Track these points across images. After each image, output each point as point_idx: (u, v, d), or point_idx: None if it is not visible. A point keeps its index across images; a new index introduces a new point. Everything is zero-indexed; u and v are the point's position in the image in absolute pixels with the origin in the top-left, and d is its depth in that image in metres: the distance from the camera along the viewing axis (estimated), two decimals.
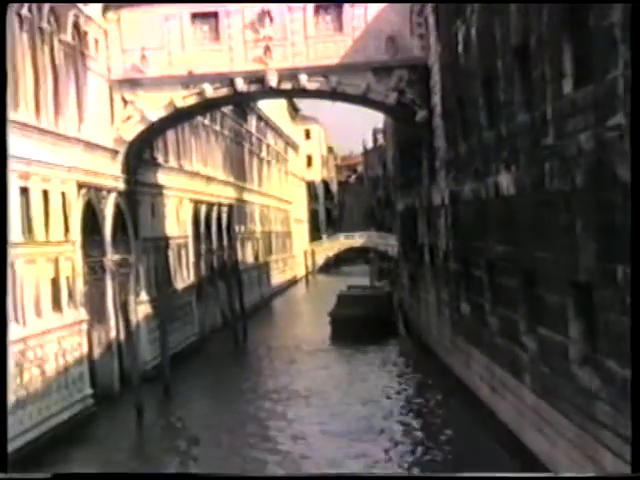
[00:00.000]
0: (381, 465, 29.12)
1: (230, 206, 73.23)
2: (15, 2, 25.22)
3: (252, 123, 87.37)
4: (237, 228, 75.42)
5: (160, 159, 51.83)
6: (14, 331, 30.93)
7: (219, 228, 68.22)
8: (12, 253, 31.27)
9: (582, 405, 21.15)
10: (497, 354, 30.33)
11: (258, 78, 43.42)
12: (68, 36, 38.22)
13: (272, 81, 43.25)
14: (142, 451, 33.97)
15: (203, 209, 63.00)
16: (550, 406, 24.05)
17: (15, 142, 31.90)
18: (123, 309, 40.85)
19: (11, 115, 32.22)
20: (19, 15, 33.57)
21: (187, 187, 58.09)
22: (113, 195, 41.97)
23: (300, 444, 32.71)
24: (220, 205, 69.11)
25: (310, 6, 42.97)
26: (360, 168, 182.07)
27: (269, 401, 39.92)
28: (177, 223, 54.92)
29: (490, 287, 31.12)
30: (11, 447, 29.34)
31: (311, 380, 45.11)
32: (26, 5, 33.86)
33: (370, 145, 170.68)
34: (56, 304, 34.67)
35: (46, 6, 35.78)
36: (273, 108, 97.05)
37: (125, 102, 42.96)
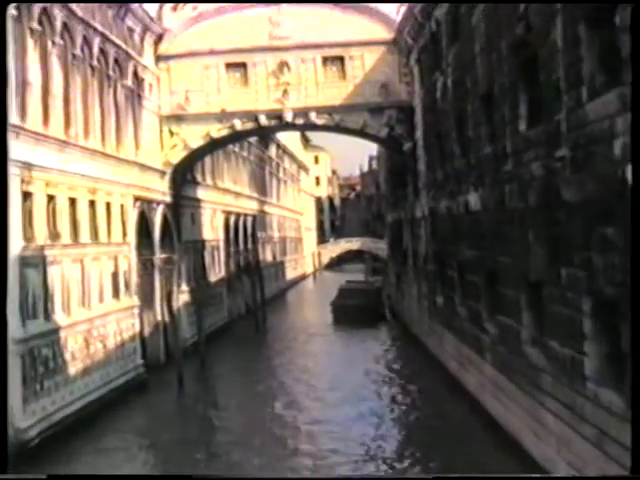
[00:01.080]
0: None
1: (254, 216, 73.20)
2: (15, 2, 25.16)
3: (272, 150, 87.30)
4: (259, 234, 75.28)
5: (199, 178, 51.90)
6: (83, 313, 31.17)
7: (245, 234, 68.21)
8: (81, 252, 31.53)
9: (531, 377, 21.31)
10: (465, 336, 30.44)
11: (277, 115, 43.56)
12: (129, 81, 38.41)
13: (288, 117, 43.41)
14: (182, 406, 34.19)
15: (232, 218, 63.01)
16: (506, 378, 24.20)
17: (86, 164, 32.22)
18: (168, 297, 40.99)
19: (83, 143, 32.51)
20: (91, 66, 33.81)
21: (220, 201, 58.14)
22: (161, 207, 42.11)
23: (309, 393, 33.70)
24: (246, 215, 69.13)
25: (319, 58, 43.10)
26: (358, 187, 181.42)
27: (285, 369, 40.29)
28: (211, 229, 54.98)
29: (460, 284, 31.22)
30: (81, 404, 29.73)
31: (317, 352, 45.65)
32: (95, 56, 34.09)
33: (366, 169, 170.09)
34: (115, 293, 34.78)
35: (111, 57, 35.99)
36: (289, 139, 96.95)
37: (172, 133, 43.09)
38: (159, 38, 42.64)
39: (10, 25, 26.63)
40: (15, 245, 26.03)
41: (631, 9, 13.32)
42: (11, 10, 26.70)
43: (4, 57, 22.46)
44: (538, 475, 20.08)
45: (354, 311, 55.25)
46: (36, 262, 27.59)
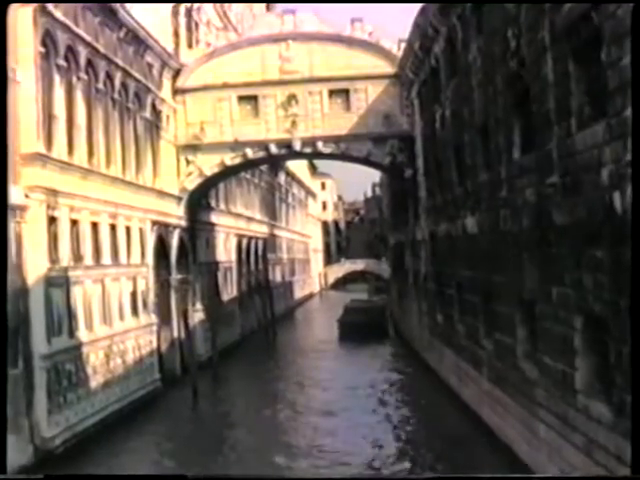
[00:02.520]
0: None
1: (264, 239, 73.27)
2: (15, 2, 24.93)
3: (282, 177, 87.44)
4: (269, 256, 75.29)
5: (213, 204, 52.01)
6: (104, 330, 31.25)
7: (256, 255, 68.30)
8: (103, 273, 31.63)
9: (525, 390, 21.33)
10: (463, 352, 30.43)
11: (286, 144, 43.71)
12: (147, 113, 38.61)
13: (297, 146, 43.56)
14: (197, 416, 34.20)
15: (244, 241, 63.11)
16: (501, 391, 24.21)
17: (107, 191, 32.36)
18: (184, 315, 40.97)
19: (105, 171, 32.68)
20: (112, 99, 34.02)
21: (232, 225, 58.23)
22: (177, 230, 42.21)
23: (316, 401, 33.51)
24: (257, 238, 69.24)
25: (326, 91, 43.27)
26: (362, 212, 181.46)
27: (294, 382, 40.28)
28: (224, 251, 55.04)
29: (458, 302, 31.24)
30: (102, 415, 29.78)
31: (325, 366, 45.70)
32: (117, 89, 34.30)
33: (370, 194, 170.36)
34: (134, 311, 34.84)
35: (132, 90, 36.20)
36: (297, 166, 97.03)
37: (188, 162, 43.20)
38: (176, 73, 42.86)
39: (38, 61, 26.87)
40: (41, 266, 26.21)
41: (632, 9, 13.36)
42: (39, 48, 26.91)
43: (4, 57, 22.54)
44: (538, 475, 20.09)
45: (359, 328, 55.28)
46: (60, 282, 27.72)
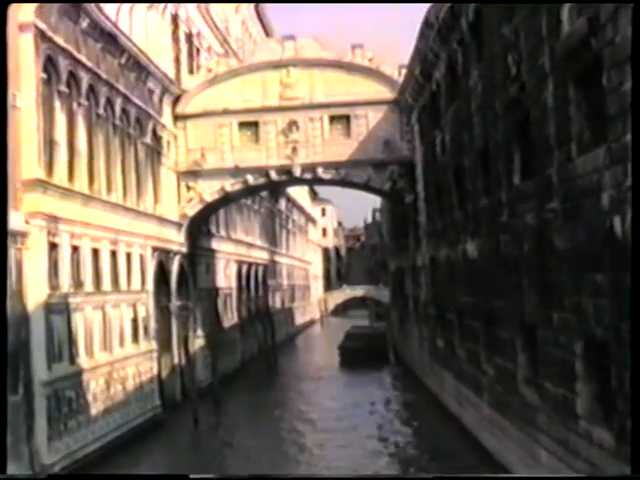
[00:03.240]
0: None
1: (264, 265, 73.29)
2: (15, 2, 24.84)
3: (282, 204, 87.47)
4: (269, 282, 75.30)
5: (213, 230, 52.06)
6: (104, 357, 31.22)
7: (256, 282, 68.30)
8: (103, 299, 31.64)
9: (526, 416, 21.30)
10: (464, 377, 30.41)
11: (287, 170, 43.77)
12: (148, 139, 38.68)
13: (297, 173, 43.61)
14: (197, 443, 34.07)
15: (244, 267, 63.13)
16: (502, 416, 24.19)
17: (108, 217, 32.38)
18: (184, 341, 41.00)
19: (106, 197, 32.72)
20: (113, 124, 34.12)
21: (233, 251, 58.26)
22: (178, 257, 42.22)
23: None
24: (257, 264, 69.25)
25: (326, 118, 43.41)
26: (362, 238, 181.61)
27: (294, 409, 40.22)
28: (225, 278, 55.04)
29: (459, 327, 31.24)
30: (102, 442, 29.70)
31: (326, 392, 45.64)
32: (118, 115, 34.42)
33: (370, 220, 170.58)
34: (135, 337, 34.80)
35: (133, 115, 36.33)
36: (298, 192, 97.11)
37: (188, 188, 43.26)
38: (177, 99, 42.99)
39: (39, 87, 26.97)
40: (41, 292, 26.22)
41: (632, 9, 13.41)
42: (40, 74, 27.02)
43: (4, 57, 22.55)
44: (538, 475, 20.03)
45: (360, 354, 55.35)
46: (61, 309, 27.72)
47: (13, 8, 25.09)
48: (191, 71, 46.22)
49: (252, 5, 71.49)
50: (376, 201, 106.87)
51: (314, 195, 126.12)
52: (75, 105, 30.33)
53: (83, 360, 29.18)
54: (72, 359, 28.33)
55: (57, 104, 28.78)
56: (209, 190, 43.47)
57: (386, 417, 37.09)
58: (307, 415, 38.18)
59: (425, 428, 33.61)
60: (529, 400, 21.05)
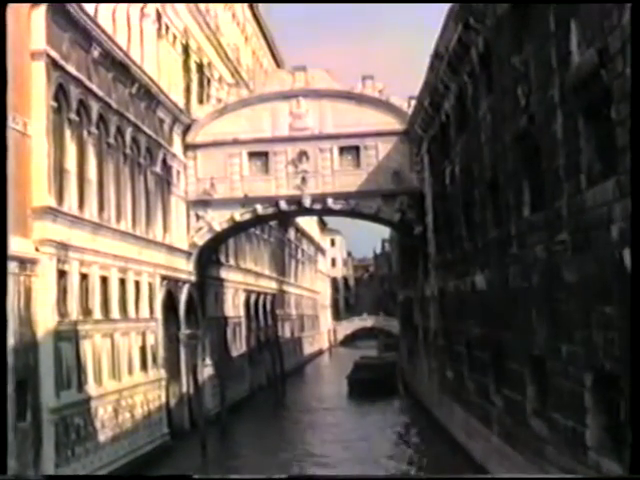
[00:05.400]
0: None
1: (273, 295, 73.25)
2: (15, 2, 24.74)
3: (291, 233, 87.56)
4: (278, 311, 75.20)
5: (222, 259, 52.09)
6: (113, 385, 31.18)
7: (264, 311, 68.24)
8: (112, 327, 31.62)
9: (535, 447, 21.17)
10: (473, 408, 30.27)
11: (296, 201, 43.78)
12: (158, 169, 38.79)
13: (307, 203, 43.61)
14: (205, 471, 33.91)
15: (253, 297, 63.09)
16: (511, 448, 24.05)
17: (117, 246, 32.43)
18: (193, 370, 40.97)
19: (115, 225, 32.78)
20: (124, 153, 34.25)
21: (242, 280, 58.25)
22: (187, 285, 42.21)
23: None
24: (266, 294, 69.22)
25: (336, 148, 43.48)
26: (371, 268, 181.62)
27: (302, 440, 40.04)
28: (233, 307, 55.00)
29: (468, 359, 31.12)
30: (110, 469, 29.59)
31: (334, 423, 45.34)
32: (128, 144, 34.54)
33: (379, 251, 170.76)
34: (143, 365, 34.77)
35: (143, 145, 36.45)
36: (307, 223, 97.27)
37: (198, 217, 43.31)
38: (187, 128, 43.12)
39: (50, 115, 27.07)
40: (50, 320, 26.24)
41: (631, 9, 13.39)
42: (51, 102, 27.13)
43: (4, 57, 22.60)
44: (538, 475, 19.87)
45: (369, 385, 55.06)
46: (69, 336, 27.72)
47: (14, 11, 25.15)
48: (201, 101, 46.43)
49: (262, 35, 71.78)
50: (385, 231, 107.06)
51: (323, 225, 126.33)
52: (85, 133, 30.45)
53: (91, 387, 29.16)
54: (80, 386, 28.31)
55: (67, 132, 28.89)
56: (219, 219, 43.49)
57: (393, 448, 36.92)
58: (314, 448, 37.93)
59: (434, 460, 33.42)
60: (538, 432, 20.93)
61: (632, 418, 13.13)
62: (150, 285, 36.42)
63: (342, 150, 43.86)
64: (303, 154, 43.35)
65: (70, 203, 28.68)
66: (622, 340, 14.76)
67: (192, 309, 43.23)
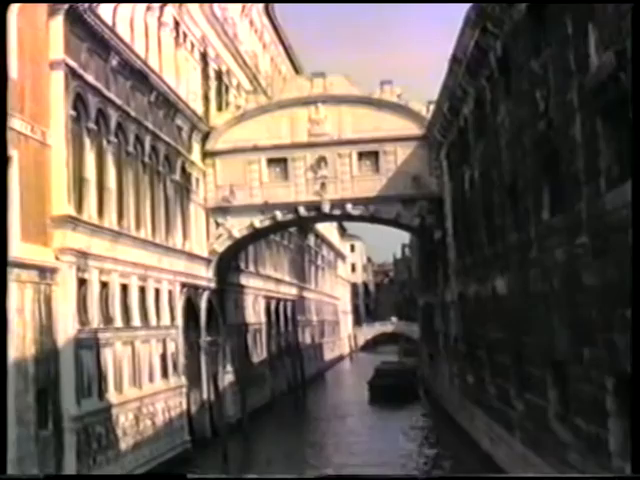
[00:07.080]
0: None
1: (293, 301, 73.23)
2: (15, 2, 24.60)
3: (311, 239, 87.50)
4: (298, 317, 75.20)
5: (242, 266, 52.10)
6: (134, 392, 31.23)
7: (285, 317, 68.23)
8: (132, 335, 31.68)
9: (558, 453, 21.06)
10: (494, 413, 30.15)
11: (316, 207, 43.79)
12: (177, 176, 38.89)
13: (326, 209, 43.62)
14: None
15: (273, 303, 63.09)
16: (533, 453, 23.93)
17: (137, 253, 32.53)
18: (213, 377, 40.98)
19: (135, 233, 32.86)
20: (142, 162, 34.34)
21: (262, 287, 58.26)
22: (207, 292, 42.24)
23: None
24: (286, 300, 69.21)
25: (355, 154, 43.45)
26: (391, 273, 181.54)
27: (323, 446, 40.00)
28: (254, 313, 54.98)
29: (489, 363, 31.03)
30: None
31: (355, 429, 45.28)
32: (147, 153, 34.62)
33: (399, 256, 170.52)
34: (164, 373, 34.83)
35: (162, 153, 36.53)
36: (327, 228, 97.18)
37: (217, 224, 43.38)
38: (206, 136, 43.23)
39: (69, 124, 27.17)
40: (71, 328, 26.30)
41: (632, 9, 13.33)
42: (69, 111, 27.22)
43: (4, 57, 22.66)
44: (538, 475, 19.75)
45: (390, 390, 54.97)
46: (90, 344, 27.80)
47: (32, 20, 25.28)
48: (220, 108, 46.48)
49: (280, 42, 71.80)
50: (405, 236, 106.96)
51: (343, 231, 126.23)
52: (105, 142, 30.58)
53: (112, 395, 29.22)
54: (101, 394, 28.39)
55: (87, 141, 29.02)
56: (238, 226, 43.54)
57: (415, 454, 36.78)
58: (335, 457, 37.76)
59: (457, 466, 33.29)
60: (561, 437, 20.82)
61: (632, 418, 13.03)
62: (170, 292, 36.49)
63: (361, 155, 43.85)
64: (322, 160, 43.35)
65: (90, 212, 28.78)
66: None
67: (212, 316, 43.24)
